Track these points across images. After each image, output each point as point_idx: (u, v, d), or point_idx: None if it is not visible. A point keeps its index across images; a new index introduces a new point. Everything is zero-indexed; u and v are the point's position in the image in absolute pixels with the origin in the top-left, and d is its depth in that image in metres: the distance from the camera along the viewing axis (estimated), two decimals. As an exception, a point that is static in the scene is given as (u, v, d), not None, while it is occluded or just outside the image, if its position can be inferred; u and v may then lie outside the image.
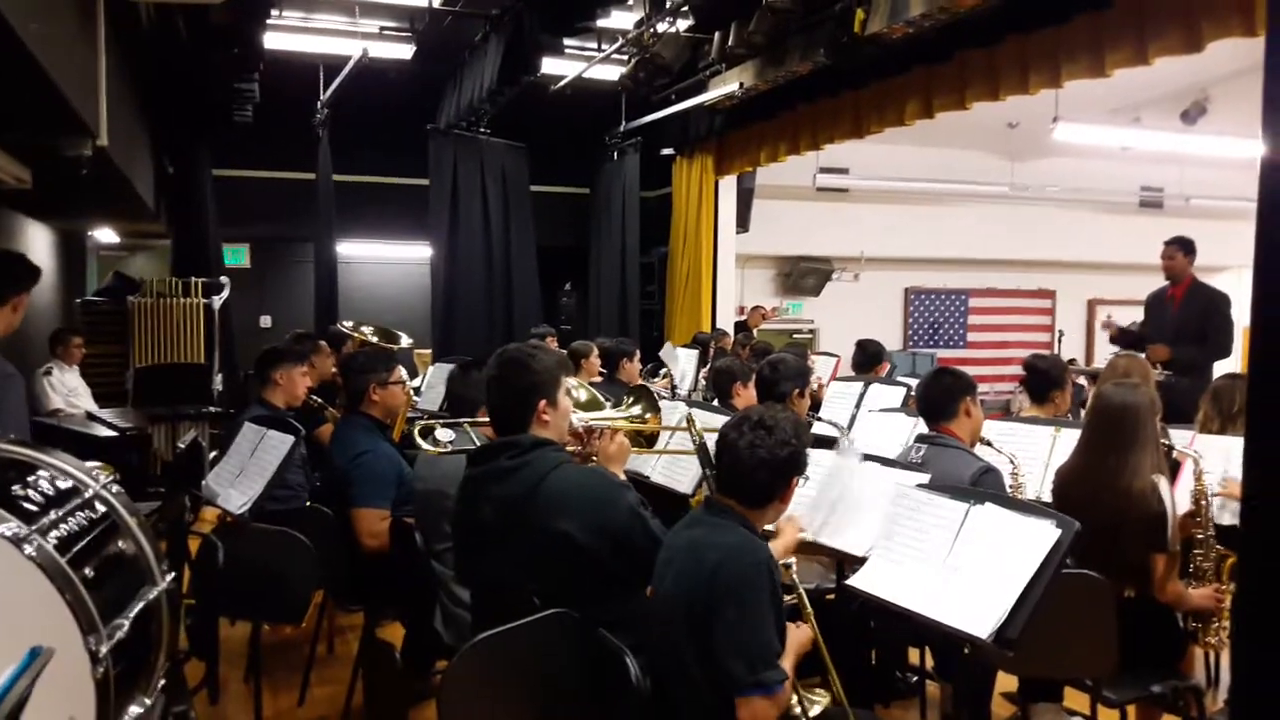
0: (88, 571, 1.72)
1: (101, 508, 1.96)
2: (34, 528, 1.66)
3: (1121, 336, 6.82)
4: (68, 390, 7.16)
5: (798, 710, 2.37)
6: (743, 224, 10.45)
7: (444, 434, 3.10)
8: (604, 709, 2.38)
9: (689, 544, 2.34)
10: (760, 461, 2.32)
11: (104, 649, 1.64)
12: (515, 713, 2.37)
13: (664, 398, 6.72)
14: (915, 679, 3.98)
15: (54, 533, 1.71)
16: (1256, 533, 1.64)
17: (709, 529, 2.35)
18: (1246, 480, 1.68)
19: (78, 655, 1.61)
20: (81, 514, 1.87)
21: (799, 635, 2.37)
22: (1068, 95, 7.37)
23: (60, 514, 1.79)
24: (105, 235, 10.46)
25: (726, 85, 7.98)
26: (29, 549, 1.61)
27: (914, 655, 4.01)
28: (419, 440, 3.07)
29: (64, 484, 1.95)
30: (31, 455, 2.00)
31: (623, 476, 2.81)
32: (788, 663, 2.26)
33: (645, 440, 3.21)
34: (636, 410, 3.17)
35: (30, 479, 1.91)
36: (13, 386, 3.21)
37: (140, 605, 1.84)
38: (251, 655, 4.12)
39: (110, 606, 1.74)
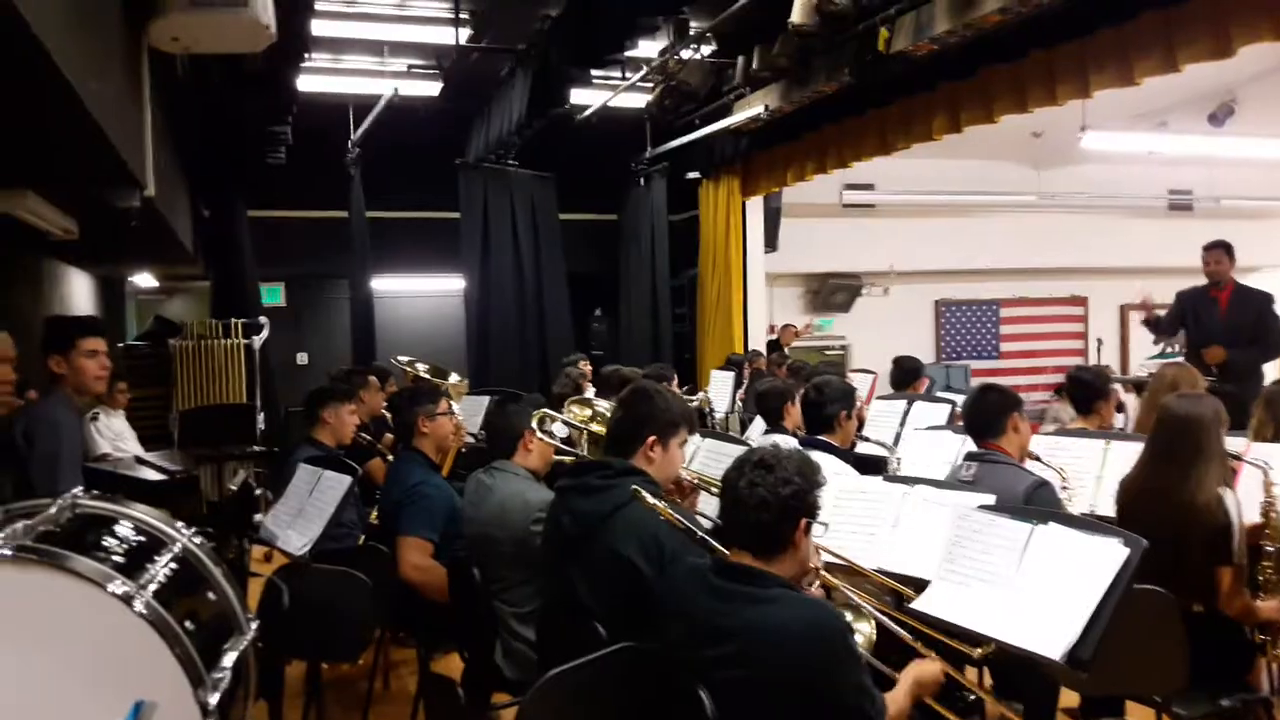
0: (188, 625, 1.76)
1: (189, 560, 2.00)
2: (138, 583, 1.70)
3: (1157, 325, 6.78)
4: (114, 435, 7.26)
5: None
6: (771, 243, 10.46)
7: (559, 429, 3.18)
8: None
9: (746, 627, 2.11)
10: (760, 501, 2.14)
11: (212, 701, 1.67)
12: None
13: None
14: (973, 698, 3.94)
15: (152, 587, 1.75)
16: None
17: (763, 605, 2.12)
18: None
19: (189, 708, 1.65)
20: (172, 566, 1.91)
21: (930, 669, 2.39)
22: (1092, 101, 7.35)
23: (155, 569, 1.83)
24: (143, 280, 10.63)
25: (752, 108, 8.03)
26: (138, 605, 1.65)
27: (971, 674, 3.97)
28: (536, 430, 3.20)
29: (148, 537, 2.00)
30: (114, 509, 2.05)
31: None
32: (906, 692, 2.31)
33: None
34: None
35: (117, 532, 1.96)
36: (53, 434, 3.27)
37: (235, 655, 1.88)
38: (308, 694, 4.15)
39: (210, 658, 1.78)
